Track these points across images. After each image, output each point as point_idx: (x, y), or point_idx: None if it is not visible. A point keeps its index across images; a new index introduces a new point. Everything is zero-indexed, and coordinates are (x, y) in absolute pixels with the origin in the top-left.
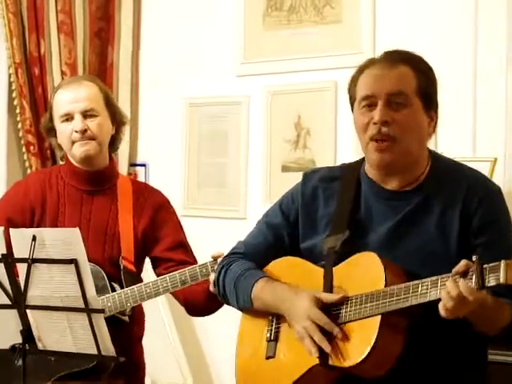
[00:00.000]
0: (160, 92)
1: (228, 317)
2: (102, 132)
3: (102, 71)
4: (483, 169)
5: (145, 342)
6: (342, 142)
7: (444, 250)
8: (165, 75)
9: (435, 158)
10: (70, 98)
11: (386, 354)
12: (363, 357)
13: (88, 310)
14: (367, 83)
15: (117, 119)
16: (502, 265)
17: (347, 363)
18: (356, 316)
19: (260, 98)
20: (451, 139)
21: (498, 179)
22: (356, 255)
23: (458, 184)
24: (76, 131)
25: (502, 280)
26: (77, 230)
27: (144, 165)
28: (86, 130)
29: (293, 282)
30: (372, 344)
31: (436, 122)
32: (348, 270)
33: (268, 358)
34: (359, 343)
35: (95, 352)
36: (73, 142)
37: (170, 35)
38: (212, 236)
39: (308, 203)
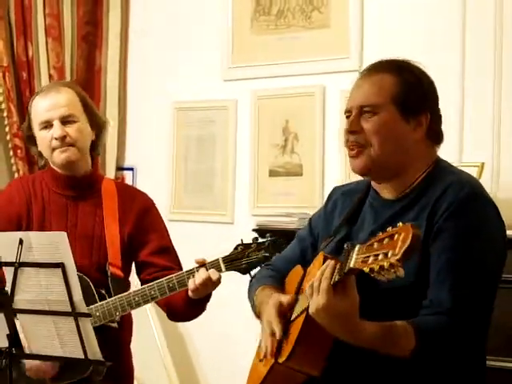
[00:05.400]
0: (148, 96)
1: (215, 323)
2: (82, 137)
3: (89, 75)
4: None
5: (132, 346)
6: (330, 147)
7: None
8: (153, 79)
9: (437, 166)
10: (48, 105)
11: (312, 349)
12: (289, 353)
13: (75, 314)
14: (349, 96)
15: (96, 123)
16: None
17: (281, 359)
18: (295, 314)
19: (248, 102)
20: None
21: (485, 184)
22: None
23: (436, 189)
24: (55, 138)
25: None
26: (64, 233)
27: (131, 169)
28: (65, 137)
29: (291, 288)
30: (295, 340)
31: (429, 126)
32: (310, 271)
33: (261, 360)
34: (291, 340)
35: (82, 356)
36: (53, 149)
37: (158, 40)
38: (199, 240)
39: (328, 216)
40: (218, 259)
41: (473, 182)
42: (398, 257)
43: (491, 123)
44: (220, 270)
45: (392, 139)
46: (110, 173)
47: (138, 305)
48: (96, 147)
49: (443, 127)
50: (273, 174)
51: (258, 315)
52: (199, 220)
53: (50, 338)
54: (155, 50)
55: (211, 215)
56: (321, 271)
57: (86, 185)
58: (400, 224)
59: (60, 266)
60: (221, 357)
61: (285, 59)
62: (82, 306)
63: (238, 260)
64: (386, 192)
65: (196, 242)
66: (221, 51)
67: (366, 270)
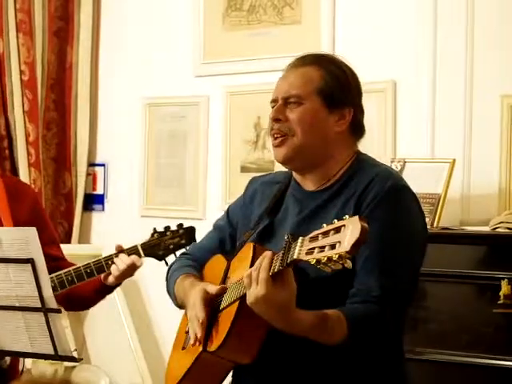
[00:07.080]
0: (119, 92)
1: None
2: None
3: (61, 71)
4: (442, 170)
5: (104, 342)
6: None
7: None
8: (124, 75)
9: (358, 159)
10: None
11: (246, 338)
12: (221, 341)
13: (45, 310)
14: (275, 87)
15: None
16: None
17: (212, 348)
18: (225, 303)
19: (219, 98)
20: (410, 140)
21: (455, 180)
22: (243, 247)
23: (361, 180)
24: None
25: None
26: (34, 229)
27: (103, 164)
28: None
29: (212, 277)
30: (228, 329)
31: (352, 119)
32: (237, 261)
33: (183, 348)
34: (223, 329)
35: (52, 352)
36: None
37: (130, 35)
38: None
39: (247, 206)
40: (136, 246)
41: (396, 174)
42: (347, 249)
43: (463, 120)
44: (139, 256)
45: (315, 129)
46: (81, 169)
47: (54, 290)
48: None
49: (415, 123)
50: (244, 169)
51: (180, 305)
52: (171, 216)
53: (19, 334)
54: (127, 46)
55: (183, 211)
56: (259, 261)
57: None
58: (347, 217)
59: (30, 261)
60: None
61: (256, 55)
62: (51, 302)
63: (155, 246)
64: (308, 183)
65: None
66: (192, 47)
67: (312, 261)
